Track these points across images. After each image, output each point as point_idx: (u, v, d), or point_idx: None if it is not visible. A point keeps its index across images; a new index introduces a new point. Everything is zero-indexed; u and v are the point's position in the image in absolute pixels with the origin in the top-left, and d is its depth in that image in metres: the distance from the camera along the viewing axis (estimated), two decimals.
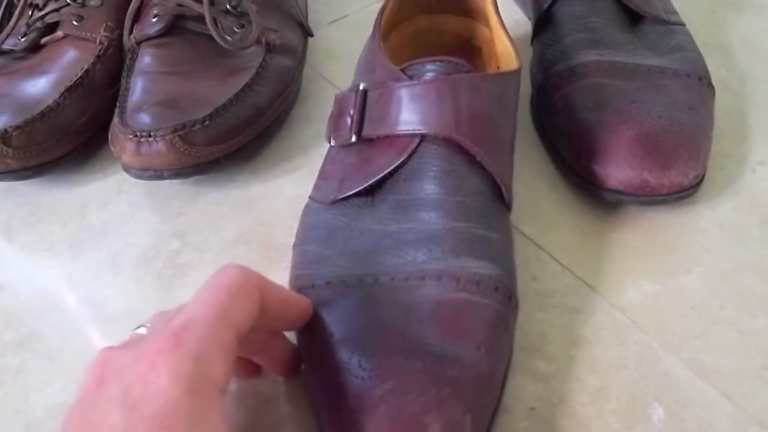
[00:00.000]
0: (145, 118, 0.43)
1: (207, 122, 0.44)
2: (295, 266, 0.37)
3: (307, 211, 0.40)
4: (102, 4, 0.51)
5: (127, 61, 0.49)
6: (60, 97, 0.46)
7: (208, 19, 0.47)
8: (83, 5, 0.51)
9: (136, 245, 0.44)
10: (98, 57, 0.49)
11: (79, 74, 0.48)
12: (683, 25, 0.50)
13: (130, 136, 0.43)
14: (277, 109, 0.49)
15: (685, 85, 0.44)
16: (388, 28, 0.47)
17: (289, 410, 0.35)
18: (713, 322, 0.38)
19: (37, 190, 0.48)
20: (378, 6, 0.47)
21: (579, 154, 0.43)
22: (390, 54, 0.42)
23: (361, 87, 0.40)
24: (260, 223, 0.45)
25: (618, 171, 0.41)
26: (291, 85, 0.51)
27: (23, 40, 0.50)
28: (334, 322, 0.33)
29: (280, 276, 0.35)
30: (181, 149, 0.43)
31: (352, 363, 0.31)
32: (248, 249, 0.44)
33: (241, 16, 0.49)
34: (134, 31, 0.50)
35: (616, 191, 0.42)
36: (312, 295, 0.34)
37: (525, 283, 0.40)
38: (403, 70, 0.39)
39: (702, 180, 0.43)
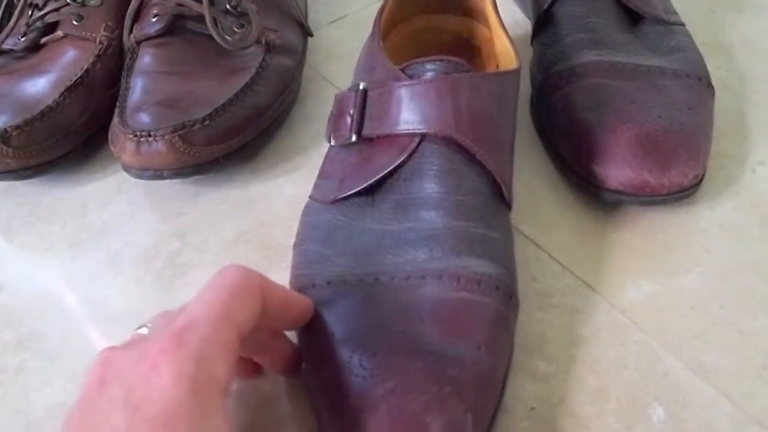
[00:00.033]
0: (144, 118, 0.43)
1: (207, 122, 0.44)
2: (296, 266, 0.37)
3: (307, 211, 0.40)
4: (102, 4, 0.51)
5: (127, 61, 0.49)
6: (60, 96, 0.46)
7: (207, 18, 0.47)
8: (83, 5, 0.51)
9: (135, 245, 0.44)
10: (98, 57, 0.49)
11: (79, 74, 0.48)
12: (683, 25, 0.50)
13: (130, 136, 0.43)
14: (276, 109, 0.49)
15: (685, 86, 0.44)
16: (387, 27, 0.47)
17: (289, 410, 0.35)
18: (713, 322, 0.38)
19: (37, 189, 0.48)
20: (378, 6, 0.47)
21: (579, 155, 0.43)
22: (389, 53, 0.42)
23: (361, 86, 0.40)
24: (260, 222, 0.45)
25: (618, 171, 0.41)
26: (291, 85, 0.51)
27: (23, 39, 0.50)
28: (335, 321, 0.33)
29: (280, 276, 0.35)
30: (181, 149, 0.43)
31: (353, 362, 0.31)
32: (248, 249, 0.44)
33: (240, 16, 0.49)
34: (134, 30, 0.50)
35: (616, 191, 0.42)
36: (313, 295, 0.34)
37: (525, 283, 0.40)
38: (402, 70, 0.39)
39: (702, 180, 0.43)
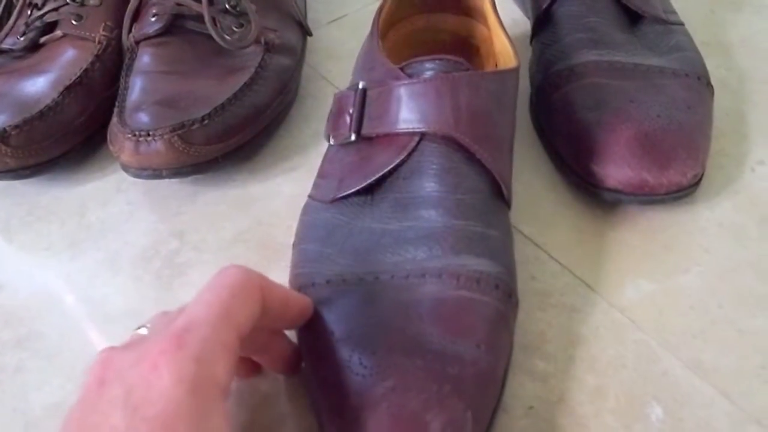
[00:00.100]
0: (143, 118, 0.43)
1: (206, 121, 0.44)
2: (295, 265, 0.37)
3: (306, 210, 0.40)
4: (101, 4, 0.51)
5: (126, 61, 0.49)
6: (59, 96, 0.46)
7: (207, 18, 0.47)
8: (82, 4, 0.51)
9: (134, 244, 0.44)
10: (97, 56, 0.49)
11: (78, 73, 0.48)
12: (682, 24, 0.50)
13: (129, 136, 0.43)
14: (276, 108, 0.49)
15: (684, 85, 0.44)
16: (386, 27, 0.47)
17: (289, 409, 0.35)
18: (712, 321, 0.38)
19: (36, 189, 0.48)
20: (376, 5, 0.47)
21: (578, 154, 0.43)
22: (388, 53, 0.42)
23: (360, 86, 0.40)
24: (259, 222, 0.45)
25: (617, 170, 0.41)
26: (290, 85, 0.51)
27: (22, 39, 0.50)
28: (335, 320, 0.33)
29: (279, 275, 0.35)
30: (180, 148, 0.43)
31: (353, 361, 0.31)
32: (247, 248, 0.44)
33: (240, 15, 0.49)
34: (133, 30, 0.50)
35: (615, 191, 0.42)
36: (312, 294, 0.34)
37: (524, 282, 0.40)
38: (402, 69, 0.39)
39: (701, 179, 0.43)
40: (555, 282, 0.40)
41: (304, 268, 0.36)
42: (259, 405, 0.36)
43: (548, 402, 0.35)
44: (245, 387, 0.36)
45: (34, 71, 0.48)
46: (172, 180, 0.46)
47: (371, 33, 0.44)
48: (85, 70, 0.48)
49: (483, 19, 0.49)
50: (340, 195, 0.38)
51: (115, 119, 0.45)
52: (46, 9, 0.50)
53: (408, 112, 0.38)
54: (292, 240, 0.39)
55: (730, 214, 0.44)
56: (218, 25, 0.48)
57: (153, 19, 0.49)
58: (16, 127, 0.44)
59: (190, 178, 0.47)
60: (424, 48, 0.49)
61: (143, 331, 0.30)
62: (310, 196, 0.41)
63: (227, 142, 0.45)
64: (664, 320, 0.38)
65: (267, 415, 0.35)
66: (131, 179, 0.45)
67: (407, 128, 0.38)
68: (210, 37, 0.47)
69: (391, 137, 0.38)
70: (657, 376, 0.36)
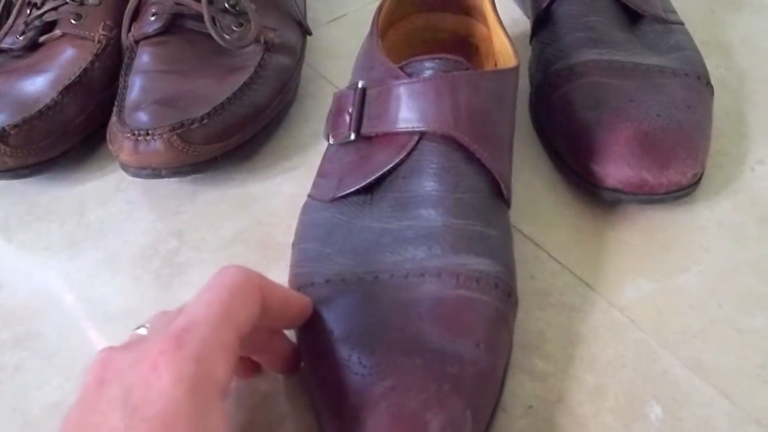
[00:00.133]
0: (143, 117, 0.43)
1: (205, 121, 0.44)
2: (295, 264, 0.37)
3: (305, 210, 0.40)
4: (100, 3, 0.51)
5: (126, 60, 0.49)
6: (58, 95, 0.46)
7: (206, 17, 0.47)
8: (81, 4, 0.51)
9: (134, 244, 0.44)
10: (96, 56, 0.49)
11: (78, 73, 0.48)
12: (682, 24, 0.50)
13: (128, 135, 0.43)
14: (275, 107, 0.49)
15: (684, 84, 0.44)
16: (385, 26, 0.47)
17: (288, 408, 0.35)
18: (711, 321, 0.38)
19: (35, 188, 0.48)
20: (376, 4, 0.47)
21: (578, 153, 0.43)
22: (387, 52, 0.42)
23: (359, 85, 0.40)
24: (258, 221, 0.45)
25: (616, 170, 0.41)
26: (289, 84, 0.51)
27: (21, 38, 0.50)
28: (334, 319, 0.33)
29: (278, 274, 0.35)
30: (179, 148, 0.43)
31: (352, 360, 0.31)
32: (246, 247, 0.44)
33: (239, 14, 0.49)
34: (132, 29, 0.50)
35: (615, 190, 0.42)
36: (312, 294, 0.34)
37: (523, 281, 0.40)
38: (401, 68, 0.39)
39: (700, 179, 0.43)
40: (554, 281, 0.40)
41: (304, 268, 0.36)
42: (258, 405, 0.36)
43: (548, 401, 0.35)
44: (244, 387, 0.36)
45: (34, 70, 0.48)
46: (172, 179, 0.46)
47: (371, 32, 0.44)
48: (85, 70, 0.48)
49: (482, 18, 0.49)
50: (340, 194, 0.38)
51: (114, 118, 0.45)
52: (45, 8, 0.50)
53: (407, 112, 0.38)
54: (291, 239, 0.39)
55: (729, 214, 0.44)
56: (218, 24, 0.48)
57: (152, 18, 0.49)
58: (16, 126, 0.44)
59: (189, 178, 0.47)
60: (423, 47, 0.49)
61: (142, 330, 0.30)
62: (309, 196, 0.41)
63: (227, 141, 0.45)
64: (664, 320, 0.38)
65: (266, 415, 0.35)
66: (130, 178, 0.45)
67: (407, 127, 0.38)
68: (209, 36, 0.47)
69: (391, 136, 0.38)
70: (656, 375, 0.36)
